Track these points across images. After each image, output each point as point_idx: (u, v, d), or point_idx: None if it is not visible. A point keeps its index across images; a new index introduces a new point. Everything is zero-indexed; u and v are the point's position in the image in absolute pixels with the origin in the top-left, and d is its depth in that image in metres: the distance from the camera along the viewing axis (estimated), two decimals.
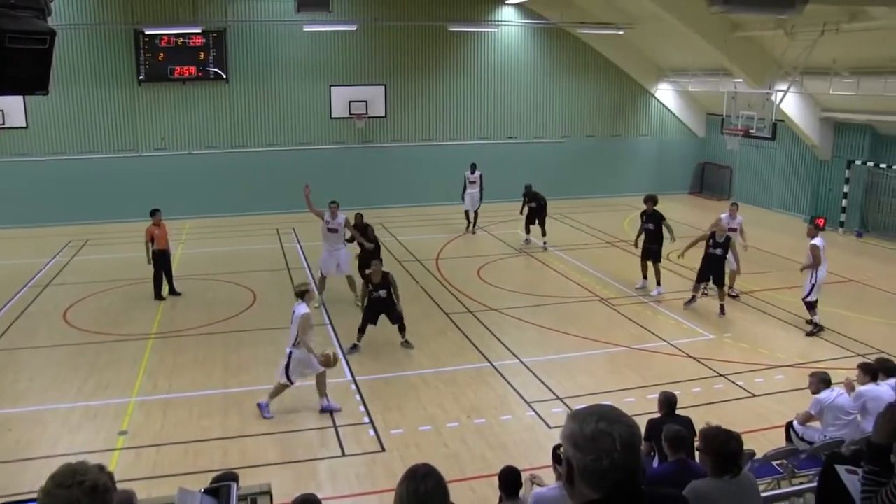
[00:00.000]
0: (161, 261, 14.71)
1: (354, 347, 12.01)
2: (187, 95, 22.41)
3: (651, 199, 15.11)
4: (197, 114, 22.61)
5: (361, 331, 12.00)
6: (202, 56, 22.04)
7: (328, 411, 9.83)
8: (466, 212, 20.83)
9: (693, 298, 14.15)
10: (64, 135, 21.76)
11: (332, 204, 14.27)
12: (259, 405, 9.79)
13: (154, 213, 14.69)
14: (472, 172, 20.57)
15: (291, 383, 9.80)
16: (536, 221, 18.83)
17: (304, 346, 9.63)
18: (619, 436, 2.13)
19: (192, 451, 8.83)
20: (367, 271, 11.97)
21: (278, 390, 9.82)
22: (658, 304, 14.53)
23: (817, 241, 12.86)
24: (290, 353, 9.68)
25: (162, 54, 21.72)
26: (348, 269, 14.29)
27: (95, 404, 10.08)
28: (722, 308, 13.80)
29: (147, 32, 21.09)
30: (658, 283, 15.06)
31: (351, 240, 14.36)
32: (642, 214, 15.24)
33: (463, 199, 20.75)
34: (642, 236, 15.15)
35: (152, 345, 12.40)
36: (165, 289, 14.88)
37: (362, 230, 14.33)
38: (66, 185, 21.57)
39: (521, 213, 19.15)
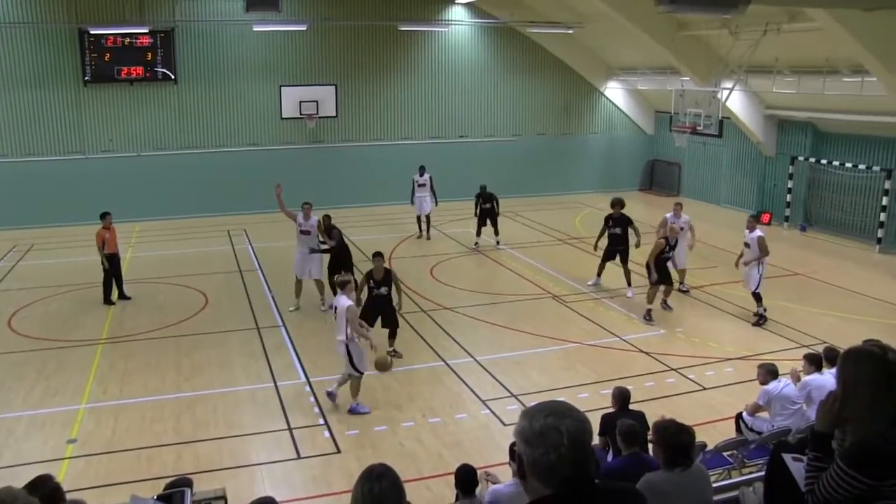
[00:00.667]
0: (111, 265, 14.40)
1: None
2: (135, 96, 21.95)
3: (619, 203, 14.97)
4: (145, 115, 22.16)
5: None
6: (150, 56, 21.60)
7: (357, 413, 9.69)
8: (418, 217, 19.98)
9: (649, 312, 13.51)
10: (7, 137, 21.09)
11: (306, 205, 13.93)
12: (352, 409, 9.69)
13: (104, 216, 14.37)
14: (421, 175, 19.72)
15: (362, 373, 9.73)
16: (488, 222, 18.67)
17: (360, 338, 9.61)
18: (566, 430, 2.14)
19: (144, 457, 8.66)
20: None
21: (356, 386, 9.75)
22: (611, 300, 14.70)
23: (760, 232, 13.26)
24: (347, 346, 9.58)
25: (108, 54, 21.22)
26: (318, 273, 13.96)
27: (43, 412, 9.81)
28: (665, 303, 14.04)
29: (92, 32, 20.59)
30: (628, 284, 14.82)
31: (324, 243, 13.91)
32: (608, 218, 15.01)
33: (412, 202, 19.92)
34: (604, 240, 15.05)
35: (102, 350, 12.11)
36: (115, 293, 14.58)
37: (328, 232, 13.94)
38: (11, 188, 20.94)
39: (476, 214, 18.93)
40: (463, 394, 10.45)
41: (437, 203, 19.80)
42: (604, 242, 15.23)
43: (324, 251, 13.92)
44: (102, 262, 14.28)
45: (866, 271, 16.95)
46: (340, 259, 13.74)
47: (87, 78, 21.27)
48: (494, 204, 18.60)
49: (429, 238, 19.88)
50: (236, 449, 8.90)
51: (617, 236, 14.97)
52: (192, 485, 6.12)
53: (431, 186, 19.67)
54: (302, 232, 13.86)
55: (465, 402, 10.20)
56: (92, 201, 20.60)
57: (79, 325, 13.32)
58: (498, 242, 18.82)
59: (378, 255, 11.38)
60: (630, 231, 14.86)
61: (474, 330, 13.09)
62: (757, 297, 13.29)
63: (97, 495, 7.51)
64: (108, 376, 11.05)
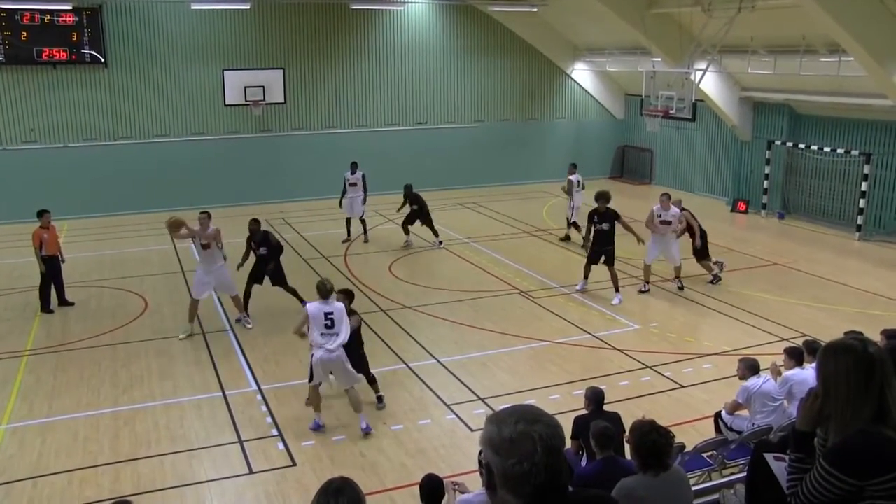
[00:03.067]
0: (50, 268, 14.00)
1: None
2: (59, 81, 21.48)
3: (603, 196, 14.38)
4: (72, 102, 21.71)
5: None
6: (75, 37, 21.12)
7: (317, 428, 9.54)
8: (348, 220, 19.05)
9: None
10: None
11: (202, 215, 13.02)
12: (364, 429, 9.41)
13: (42, 213, 13.94)
14: (353, 173, 18.79)
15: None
16: (419, 222, 18.22)
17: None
18: (539, 437, 2.14)
19: (77, 480, 8.49)
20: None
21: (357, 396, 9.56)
22: (581, 294, 14.83)
23: (676, 210, 14.83)
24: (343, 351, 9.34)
25: (25, 33, 20.64)
26: (233, 289, 13.24)
27: None
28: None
29: (3, 7, 19.98)
30: (616, 290, 14.40)
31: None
32: (592, 214, 14.56)
33: (340, 205, 19.02)
34: (591, 237, 14.73)
35: (27, 363, 11.84)
36: (55, 300, 14.23)
37: (262, 239, 13.33)
38: None
39: (399, 211, 18.68)
40: (426, 398, 10.47)
41: (365, 203, 18.91)
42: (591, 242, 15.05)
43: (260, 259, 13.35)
44: (40, 266, 13.88)
45: (846, 259, 17.36)
46: (264, 264, 13.24)
47: (0, 59, 20.73)
48: (423, 207, 18.10)
49: (366, 241, 19.05)
50: (182, 466, 8.78)
51: (604, 234, 14.39)
52: None
53: (364, 186, 18.82)
54: (203, 247, 12.95)
55: (428, 406, 10.21)
56: (12, 197, 20.25)
57: None
58: (441, 242, 18.48)
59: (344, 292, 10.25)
60: (617, 227, 14.35)
61: (437, 329, 13.11)
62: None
63: None
64: (33, 392, 10.80)
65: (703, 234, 15.32)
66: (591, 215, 14.64)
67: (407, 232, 18.65)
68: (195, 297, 13.02)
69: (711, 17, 18.63)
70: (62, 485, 8.41)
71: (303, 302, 12.62)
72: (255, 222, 13.43)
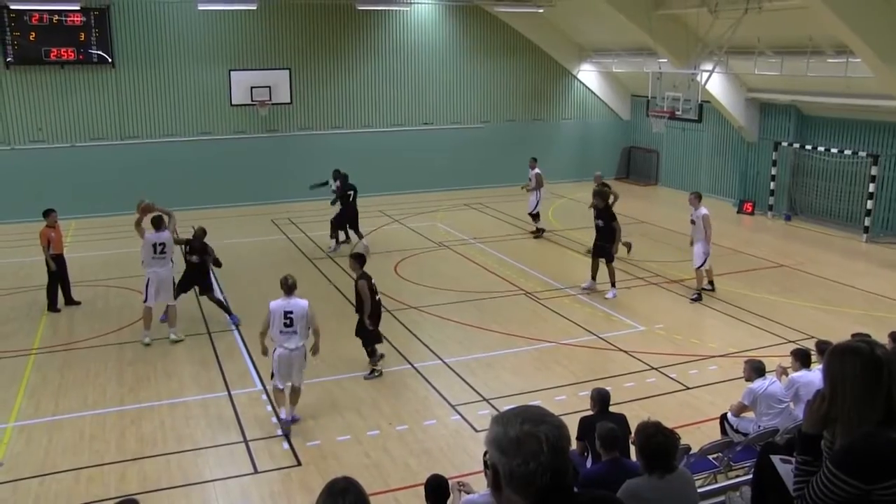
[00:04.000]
0: (57, 267, 14.04)
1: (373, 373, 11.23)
2: (67, 81, 21.54)
3: (597, 195, 14.97)
4: (79, 102, 21.77)
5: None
6: (82, 37, 21.18)
7: (290, 424, 9.60)
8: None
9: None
10: None
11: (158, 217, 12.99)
12: (284, 420, 9.54)
13: (48, 213, 14.00)
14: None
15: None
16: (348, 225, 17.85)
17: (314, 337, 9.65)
18: (545, 437, 2.14)
19: (83, 478, 8.51)
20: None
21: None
22: (587, 296, 14.81)
23: (705, 210, 14.42)
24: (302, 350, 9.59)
25: (34, 33, 20.72)
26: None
27: None
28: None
29: (13, 7, 20.06)
30: (612, 285, 14.74)
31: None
32: (592, 208, 15.23)
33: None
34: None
35: (34, 361, 11.87)
36: (61, 299, 14.27)
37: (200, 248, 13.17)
38: None
39: (334, 204, 18.04)
40: (431, 398, 10.47)
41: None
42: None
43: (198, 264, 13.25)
44: (48, 265, 13.93)
45: (853, 261, 17.30)
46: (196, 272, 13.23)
47: (9, 59, 20.74)
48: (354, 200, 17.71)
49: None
50: (187, 465, 8.81)
51: (599, 229, 14.91)
52: None
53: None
54: (161, 247, 12.62)
55: (433, 407, 10.21)
56: (21, 197, 20.27)
57: (6, 335, 13.02)
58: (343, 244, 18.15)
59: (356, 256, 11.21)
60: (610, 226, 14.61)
61: (442, 330, 13.11)
62: (699, 275, 14.54)
63: None
64: (40, 390, 10.83)
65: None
66: (593, 209, 15.26)
67: (337, 235, 18.04)
68: (151, 305, 12.69)
69: (718, 18, 18.60)
70: (69, 483, 8.43)
71: (229, 313, 13.10)
72: (202, 231, 13.37)
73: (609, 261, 14.79)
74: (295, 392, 9.71)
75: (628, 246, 17.04)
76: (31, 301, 14.52)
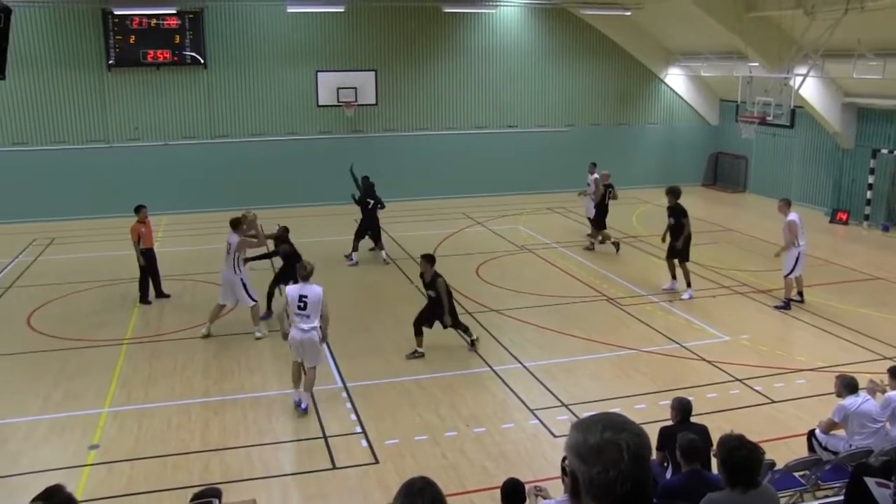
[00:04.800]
0: (147, 261, 14.62)
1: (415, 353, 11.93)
2: (162, 81, 22.35)
3: (671, 192, 14.95)
4: (173, 101, 22.56)
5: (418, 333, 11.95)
6: (177, 39, 21.96)
7: (302, 410, 10.06)
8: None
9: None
10: (25, 124, 21.61)
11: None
12: (298, 404, 10.09)
13: (139, 209, 14.60)
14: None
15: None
16: (370, 233, 17.32)
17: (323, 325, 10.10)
18: (626, 445, 2.12)
19: (170, 465, 8.82)
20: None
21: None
22: (669, 303, 14.55)
23: (792, 216, 13.97)
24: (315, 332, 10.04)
25: (133, 37, 21.61)
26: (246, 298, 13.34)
27: (63, 416, 10.04)
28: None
29: (116, 13, 20.99)
30: (688, 285, 14.82)
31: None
32: (667, 208, 15.12)
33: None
34: (667, 232, 15.05)
35: (126, 351, 12.36)
36: (152, 292, 14.83)
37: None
38: (30, 178, 21.48)
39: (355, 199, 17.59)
40: (509, 402, 10.44)
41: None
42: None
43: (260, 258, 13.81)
44: (138, 259, 14.51)
45: None
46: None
47: (110, 62, 21.69)
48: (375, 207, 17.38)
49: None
50: (268, 458, 9.02)
51: (670, 227, 14.91)
52: (221, 495, 6.20)
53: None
54: (227, 247, 13.04)
55: (511, 410, 10.19)
56: (116, 193, 21.10)
57: (102, 325, 13.59)
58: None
59: (427, 258, 11.91)
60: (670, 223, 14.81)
61: (522, 333, 13.07)
62: (788, 284, 14.15)
63: None
64: (132, 379, 11.27)
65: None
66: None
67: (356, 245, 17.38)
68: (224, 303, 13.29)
69: (814, 20, 17.98)
70: (156, 468, 8.74)
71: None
72: (284, 230, 13.92)
73: (682, 261, 14.78)
74: (308, 375, 10.15)
75: (616, 245, 18.02)
76: (124, 293, 15.10)
